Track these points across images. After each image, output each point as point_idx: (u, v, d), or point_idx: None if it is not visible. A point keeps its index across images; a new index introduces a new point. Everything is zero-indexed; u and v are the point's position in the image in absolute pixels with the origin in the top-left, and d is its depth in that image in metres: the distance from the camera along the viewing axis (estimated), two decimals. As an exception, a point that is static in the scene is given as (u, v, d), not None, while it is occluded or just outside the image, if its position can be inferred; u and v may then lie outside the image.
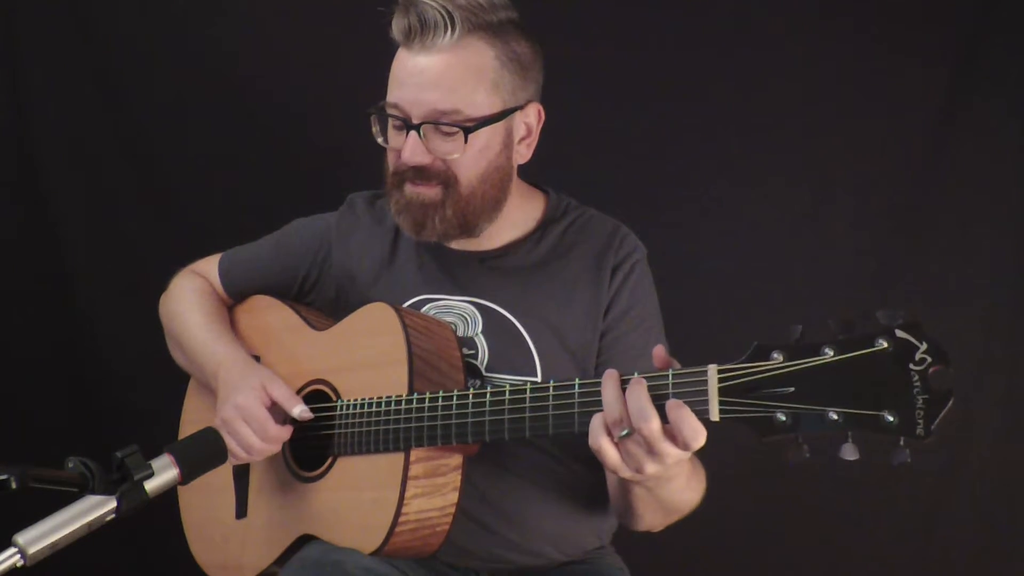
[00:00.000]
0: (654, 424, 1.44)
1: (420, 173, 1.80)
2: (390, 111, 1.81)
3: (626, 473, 1.51)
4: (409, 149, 1.79)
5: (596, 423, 1.50)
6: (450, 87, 1.77)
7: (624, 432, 1.46)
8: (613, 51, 2.78)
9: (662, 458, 1.46)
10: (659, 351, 1.52)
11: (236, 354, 1.94)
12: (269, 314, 2.03)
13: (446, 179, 1.81)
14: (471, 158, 1.80)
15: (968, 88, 2.71)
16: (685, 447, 1.44)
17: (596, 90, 2.73)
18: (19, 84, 2.88)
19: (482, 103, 1.80)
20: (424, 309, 1.88)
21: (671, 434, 1.44)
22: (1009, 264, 2.73)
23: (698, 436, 1.43)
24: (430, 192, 1.81)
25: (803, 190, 2.79)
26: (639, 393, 1.45)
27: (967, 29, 2.71)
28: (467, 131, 1.78)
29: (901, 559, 2.79)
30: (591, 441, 1.51)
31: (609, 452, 1.50)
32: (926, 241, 2.76)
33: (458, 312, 1.87)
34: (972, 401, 2.69)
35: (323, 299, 2.02)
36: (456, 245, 1.91)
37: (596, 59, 2.73)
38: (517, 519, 1.84)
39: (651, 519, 1.77)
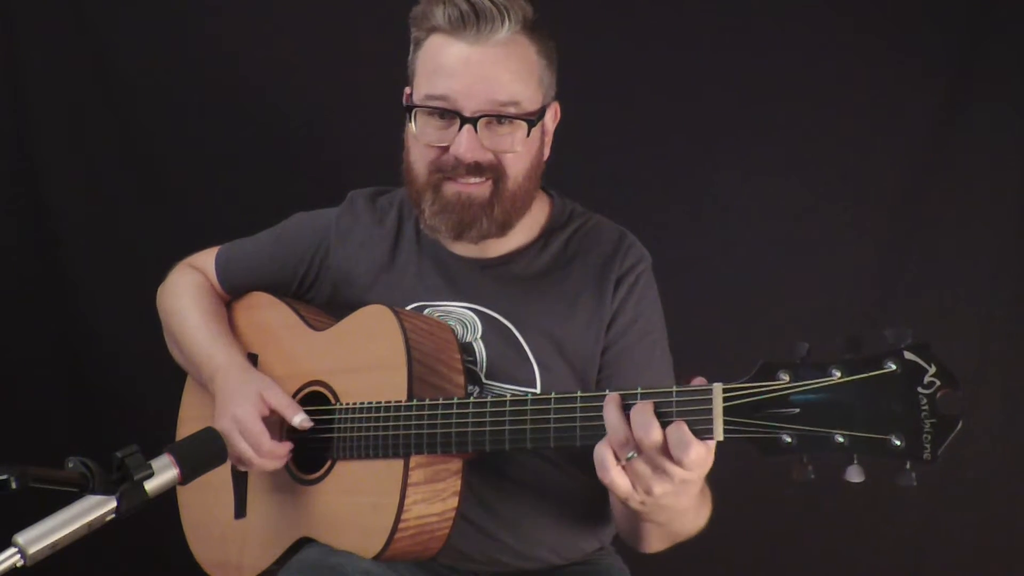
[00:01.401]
0: (655, 434, 1.41)
1: (472, 169, 1.75)
2: (434, 104, 1.74)
3: (636, 500, 1.48)
4: (466, 144, 1.72)
5: (603, 456, 1.46)
6: (510, 79, 1.73)
7: (631, 455, 1.43)
8: (614, 51, 2.78)
9: (669, 476, 1.43)
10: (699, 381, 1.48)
11: (233, 359, 1.91)
12: (268, 312, 2.01)
13: (497, 175, 1.76)
14: (523, 153, 1.77)
15: (968, 88, 2.71)
16: (679, 463, 1.41)
17: (596, 91, 2.73)
18: (19, 84, 2.88)
19: (533, 97, 1.77)
20: (423, 314, 1.86)
21: (668, 451, 1.42)
22: (1009, 264, 2.73)
23: (688, 448, 1.39)
24: (479, 190, 1.76)
25: (803, 190, 2.79)
26: (642, 409, 1.43)
27: (967, 29, 2.72)
28: (531, 124, 1.75)
29: (901, 559, 2.79)
30: (601, 476, 1.47)
31: (620, 483, 1.46)
32: (926, 241, 2.76)
33: (457, 317, 1.85)
34: (972, 401, 2.69)
35: (321, 297, 2.00)
36: (459, 251, 1.89)
37: (597, 59, 2.73)
38: (516, 524, 1.83)
39: (657, 545, 1.76)
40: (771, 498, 2.76)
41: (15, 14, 2.85)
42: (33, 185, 2.91)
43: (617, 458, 1.45)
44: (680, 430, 1.40)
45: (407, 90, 1.85)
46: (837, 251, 2.78)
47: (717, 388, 1.40)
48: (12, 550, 1.25)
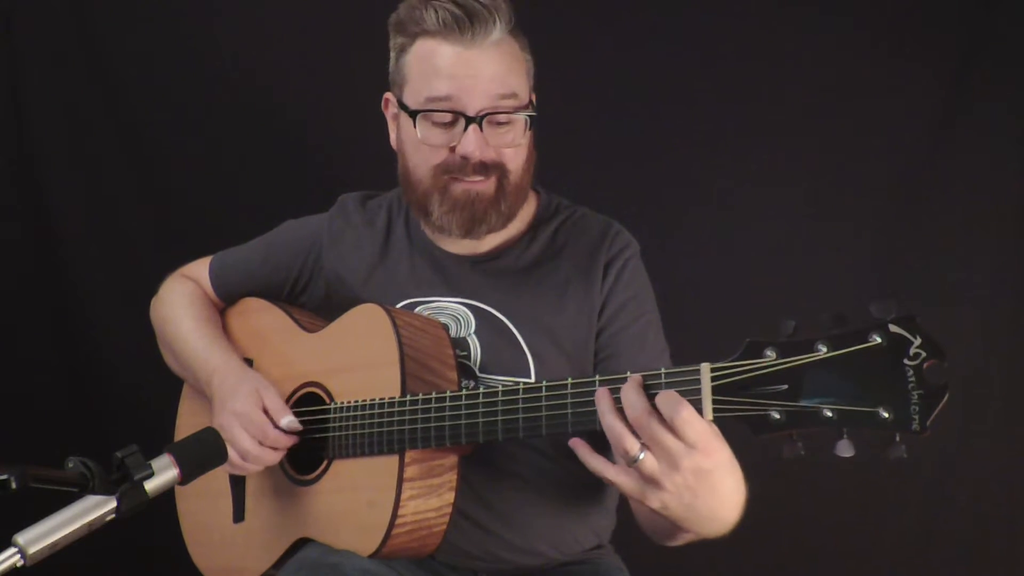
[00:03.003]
0: (642, 402, 1.38)
1: (478, 168, 1.78)
2: (437, 106, 1.77)
3: (654, 500, 1.43)
4: (474, 143, 1.75)
5: (596, 466, 1.45)
6: (506, 73, 1.77)
7: (638, 456, 1.40)
8: (613, 53, 2.78)
9: (673, 457, 1.38)
10: (576, 443, 1.47)
11: (229, 361, 1.92)
12: (261, 317, 2.02)
13: (501, 171, 1.79)
14: (522, 147, 1.81)
15: (968, 88, 2.71)
16: (674, 430, 1.37)
17: (593, 88, 2.73)
18: (19, 84, 2.88)
19: (526, 90, 1.81)
20: (415, 312, 1.87)
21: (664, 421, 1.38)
22: (1009, 264, 2.73)
23: (678, 407, 1.35)
24: (485, 187, 1.79)
25: (802, 189, 2.79)
26: (629, 387, 1.41)
27: (967, 29, 2.72)
28: (531, 118, 1.79)
29: (901, 558, 2.79)
30: (605, 480, 1.46)
31: (622, 480, 1.44)
32: (926, 241, 2.76)
33: (450, 313, 1.86)
34: (971, 401, 2.69)
35: (314, 300, 2.02)
36: (450, 248, 1.90)
37: (595, 58, 2.73)
38: (514, 519, 1.83)
39: (688, 538, 1.69)
40: (771, 498, 2.75)
41: (13, 14, 2.85)
42: (33, 185, 2.91)
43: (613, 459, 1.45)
44: (670, 395, 1.38)
45: (387, 96, 1.87)
46: (837, 252, 2.78)
47: (705, 368, 1.41)
48: (12, 550, 1.25)
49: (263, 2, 2.90)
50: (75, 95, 2.89)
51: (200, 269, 2.11)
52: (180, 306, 2.05)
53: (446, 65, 1.75)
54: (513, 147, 1.79)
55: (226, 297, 2.09)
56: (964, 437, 2.72)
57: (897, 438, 1.29)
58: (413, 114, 1.79)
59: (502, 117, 1.77)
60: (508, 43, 1.79)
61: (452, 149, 1.77)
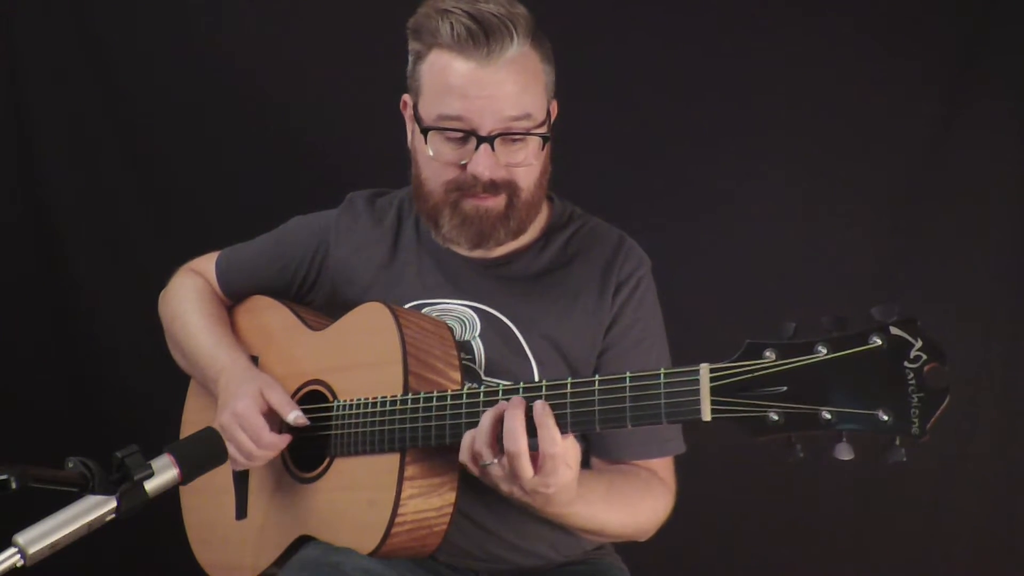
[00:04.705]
0: (518, 446, 1.51)
1: (488, 187, 1.76)
2: (449, 124, 1.74)
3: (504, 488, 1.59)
4: (484, 163, 1.73)
5: (466, 442, 1.59)
6: (520, 92, 1.73)
7: (485, 463, 1.55)
8: (615, 54, 2.79)
9: (522, 483, 1.54)
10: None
11: (237, 360, 1.92)
12: (268, 314, 2.02)
13: (511, 188, 1.78)
14: (534, 166, 1.79)
15: (968, 88, 2.72)
16: (545, 457, 1.51)
17: (593, 88, 2.73)
18: (19, 84, 2.88)
19: (541, 105, 1.78)
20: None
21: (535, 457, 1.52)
22: (1009, 264, 2.74)
23: (554, 446, 1.50)
24: (495, 203, 1.78)
25: (802, 190, 2.79)
26: (513, 415, 1.52)
27: (967, 29, 2.72)
28: (545, 139, 1.77)
29: (901, 558, 2.79)
30: (460, 456, 1.60)
31: (474, 471, 1.60)
32: (926, 241, 2.76)
33: (456, 315, 1.86)
34: (972, 401, 2.69)
35: (321, 298, 2.01)
36: (460, 251, 1.89)
37: (595, 58, 2.73)
38: (515, 520, 1.82)
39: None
40: (770, 500, 2.77)
41: (15, 15, 2.86)
42: (33, 185, 2.91)
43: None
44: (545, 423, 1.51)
45: (405, 98, 1.85)
46: (836, 253, 2.78)
47: (704, 368, 1.41)
48: (12, 550, 1.25)
49: (263, 2, 2.90)
50: (75, 95, 2.90)
51: (208, 264, 2.10)
52: (189, 302, 2.05)
53: (459, 83, 1.71)
54: (525, 166, 1.77)
55: (232, 294, 2.09)
56: (964, 437, 2.72)
57: (897, 441, 1.29)
58: (425, 131, 1.77)
59: (516, 137, 1.75)
60: (526, 57, 1.73)
61: (463, 166, 1.76)
